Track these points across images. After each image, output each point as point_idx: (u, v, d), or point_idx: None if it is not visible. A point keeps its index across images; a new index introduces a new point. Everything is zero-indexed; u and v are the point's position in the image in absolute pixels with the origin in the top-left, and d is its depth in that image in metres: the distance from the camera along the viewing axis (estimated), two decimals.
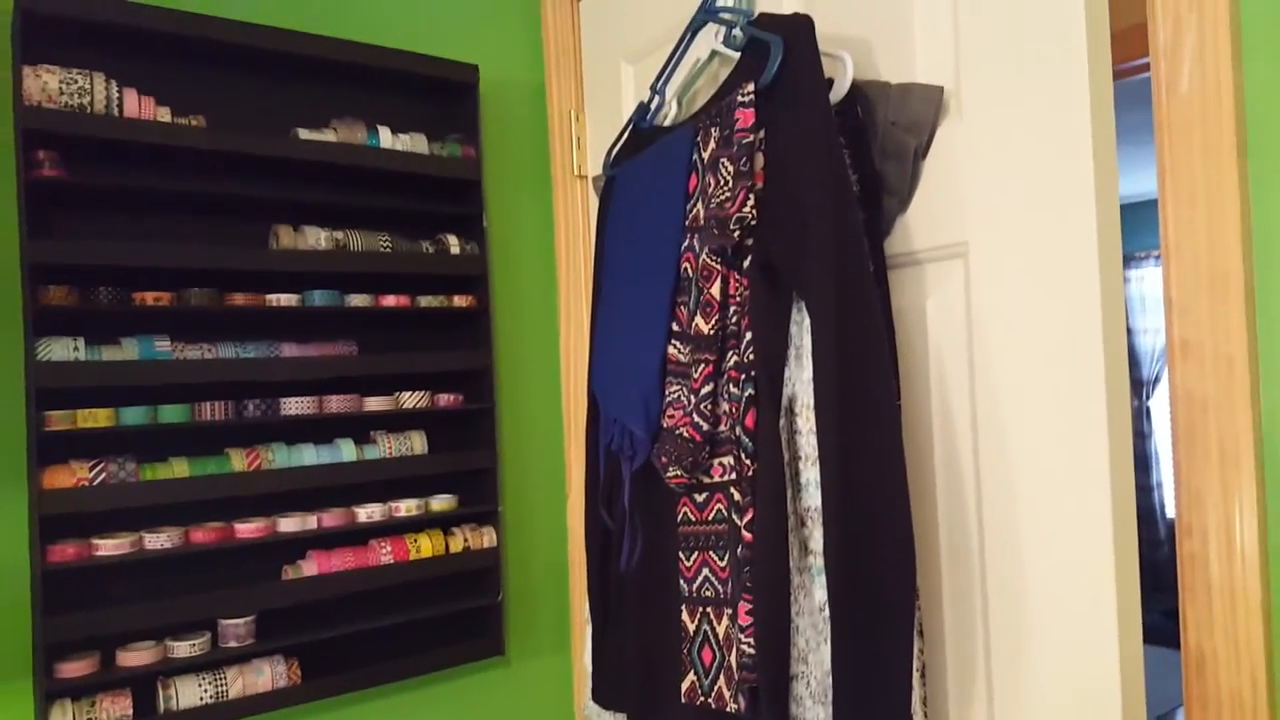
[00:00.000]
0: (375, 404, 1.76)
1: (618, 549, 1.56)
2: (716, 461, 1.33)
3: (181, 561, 1.61)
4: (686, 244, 1.33)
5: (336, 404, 1.71)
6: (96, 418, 1.48)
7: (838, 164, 1.13)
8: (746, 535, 1.21)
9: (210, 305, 1.58)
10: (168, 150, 1.54)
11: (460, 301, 1.85)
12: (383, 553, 1.74)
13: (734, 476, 1.27)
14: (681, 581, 1.40)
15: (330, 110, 1.79)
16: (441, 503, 1.84)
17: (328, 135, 1.71)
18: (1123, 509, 1.01)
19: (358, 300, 1.72)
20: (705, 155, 1.30)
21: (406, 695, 1.83)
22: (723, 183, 1.23)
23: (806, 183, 1.15)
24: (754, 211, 1.19)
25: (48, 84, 1.42)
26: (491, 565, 1.88)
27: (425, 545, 1.79)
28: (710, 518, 1.36)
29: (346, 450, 1.72)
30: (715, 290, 1.26)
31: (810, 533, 1.19)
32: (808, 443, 1.20)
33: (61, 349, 1.45)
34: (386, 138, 1.76)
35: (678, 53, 1.51)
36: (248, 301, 1.62)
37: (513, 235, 2.04)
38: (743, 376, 1.23)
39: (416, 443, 1.81)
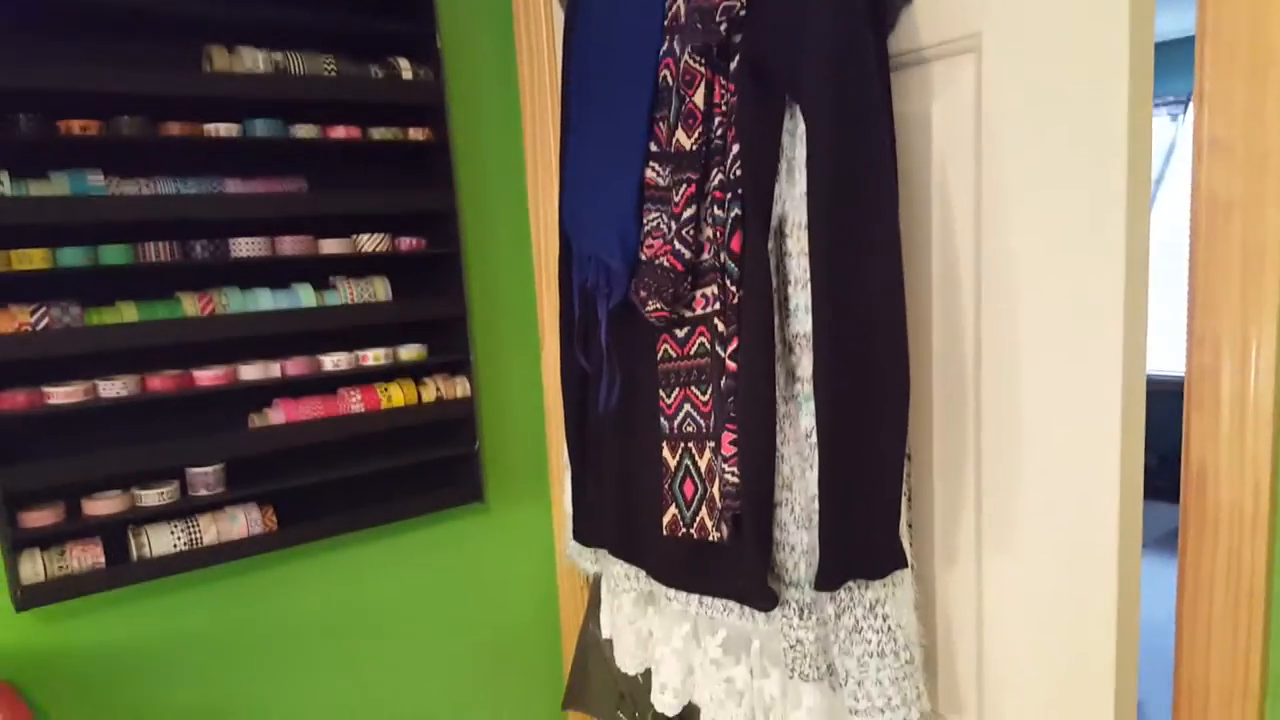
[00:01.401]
0: (332, 246, 1.65)
1: (595, 391, 1.50)
2: (699, 293, 1.26)
3: (142, 411, 1.54)
4: (665, 48, 1.21)
5: (290, 245, 1.60)
6: (31, 259, 1.37)
7: None
8: (731, 365, 1.15)
9: (144, 135, 1.44)
10: None
11: (416, 134, 1.71)
12: (353, 401, 1.68)
13: (718, 307, 1.20)
14: (662, 419, 1.35)
15: None
16: (411, 352, 1.76)
17: None
18: (1135, 339, 0.95)
19: (304, 131, 1.59)
20: None
21: (388, 541, 1.81)
22: None
23: None
24: (743, 2, 1.06)
25: None
26: (466, 415, 1.82)
27: (396, 394, 1.73)
28: (692, 352, 1.29)
29: (305, 295, 1.62)
30: (699, 98, 1.15)
31: (798, 360, 1.13)
32: (798, 265, 1.12)
33: None
34: None
35: None
36: (184, 131, 1.48)
37: (471, 59, 1.87)
38: (728, 196, 1.13)
39: (379, 289, 1.72)
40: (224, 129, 1.51)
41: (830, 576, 1.05)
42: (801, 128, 1.09)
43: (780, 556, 1.14)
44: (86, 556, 1.43)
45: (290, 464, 1.67)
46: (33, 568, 1.37)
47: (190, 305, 1.52)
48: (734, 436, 1.14)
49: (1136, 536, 1.00)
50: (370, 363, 1.70)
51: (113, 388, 1.44)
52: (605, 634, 1.54)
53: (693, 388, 1.30)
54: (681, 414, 1.32)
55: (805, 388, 1.12)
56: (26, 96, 1.36)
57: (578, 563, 1.55)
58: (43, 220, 1.36)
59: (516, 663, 2.00)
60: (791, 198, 1.12)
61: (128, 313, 1.46)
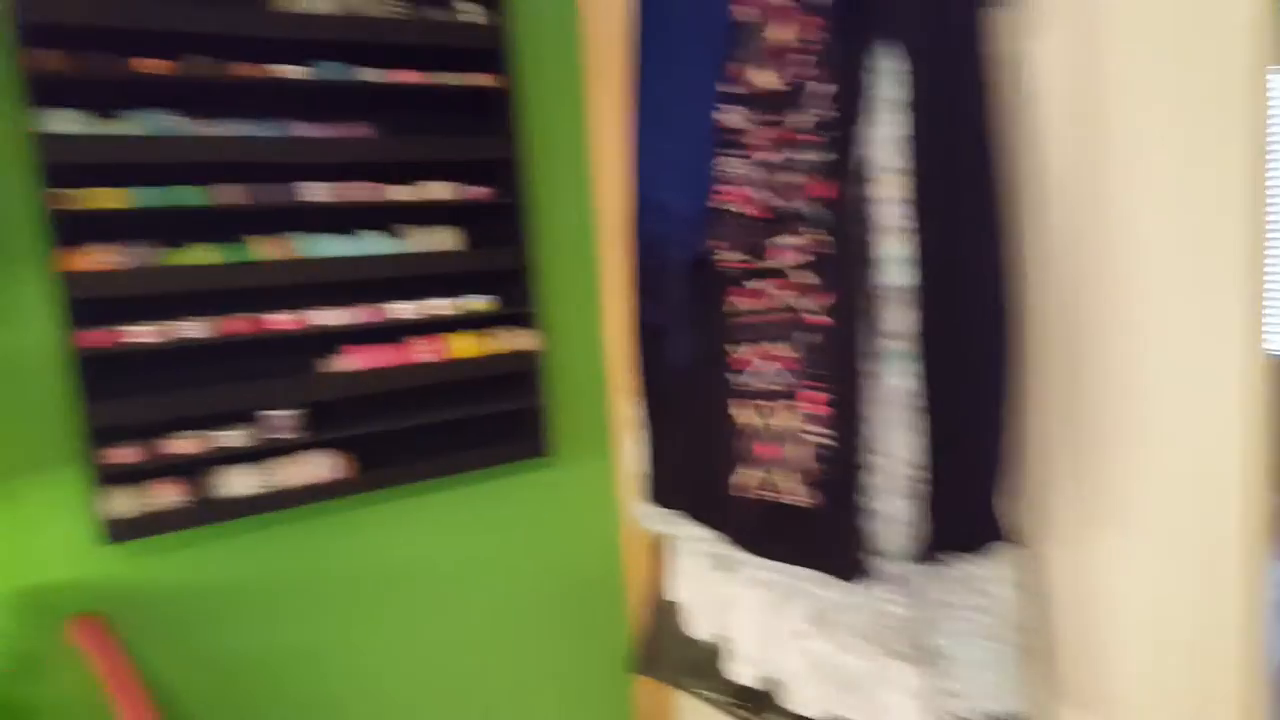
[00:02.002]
0: (398, 193, 1.63)
1: (662, 345, 1.47)
2: (776, 242, 1.21)
3: (216, 353, 1.54)
4: None
5: (358, 191, 1.58)
6: (111, 198, 1.38)
7: None
8: (818, 319, 1.10)
9: (214, 75, 1.43)
10: None
11: (481, 80, 1.67)
12: (421, 350, 1.67)
13: (801, 259, 1.15)
14: (730, 375, 1.31)
15: None
16: (478, 303, 1.74)
17: None
18: (1253, 308, 0.88)
19: (370, 75, 1.56)
20: None
21: (454, 492, 1.82)
22: None
23: None
24: None
25: None
26: (532, 368, 1.81)
27: (462, 345, 1.72)
28: (764, 306, 1.25)
29: (372, 244, 1.61)
30: (786, 35, 1.09)
31: (885, 314, 1.08)
32: (887, 212, 1.07)
33: (68, 121, 1.32)
34: None
35: None
36: (251, 72, 1.46)
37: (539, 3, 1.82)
38: (819, 139, 1.08)
39: (447, 238, 1.70)
40: (291, 71, 1.49)
41: (924, 547, 1.01)
42: (890, 65, 1.02)
43: (869, 525, 1.10)
44: (169, 494, 1.45)
45: (361, 411, 1.67)
46: (119, 503, 1.39)
47: (260, 248, 1.51)
48: (823, 395, 1.09)
49: (1262, 518, 0.93)
50: (437, 312, 1.69)
51: (191, 328, 1.45)
52: (677, 598, 1.51)
53: (765, 343, 1.25)
54: (753, 370, 1.28)
55: (893, 343, 1.07)
56: (99, 33, 1.35)
57: (648, 522, 1.53)
58: (123, 160, 1.36)
59: (580, 620, 2.00)
60: (879, 140, 1.06)
61: (205, 254, 1.46)
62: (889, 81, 1.04)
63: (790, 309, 1.20)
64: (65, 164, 1.33)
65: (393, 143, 1.60)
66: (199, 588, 1.55)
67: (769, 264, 1.22)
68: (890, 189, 1.06)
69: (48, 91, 1.34)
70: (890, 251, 1.07)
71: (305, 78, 1.51)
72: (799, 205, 1.15)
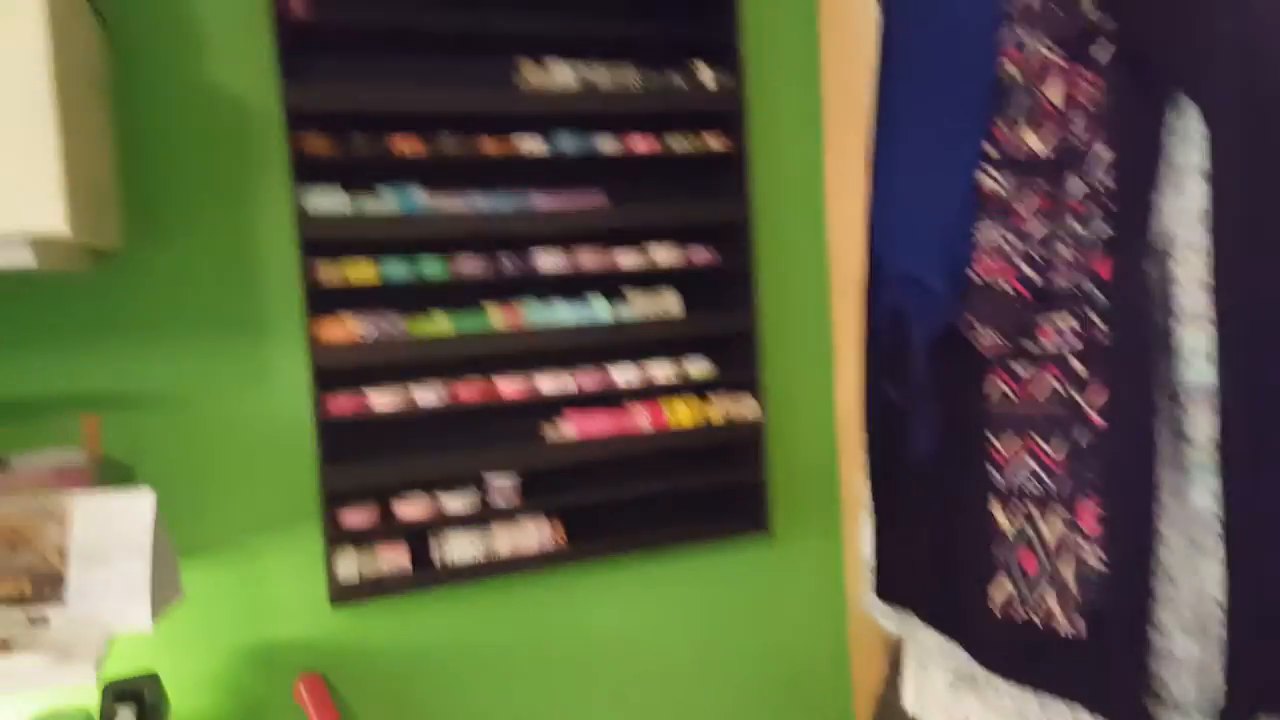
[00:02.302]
0: (626, 259, 1.62)
1: (903, 430, 1.34)
2: (1048, 323, 1.06)
3: (445, 417, 1.59)
4: (1010, 37, 1.02)
5: (588, 259, 1.59)
6: (361, 270, 1.46)
7: None
8: (1096, 420, 0.94)
9: (462, 152, 1.49)
10: None
11: (714, 142, 1.64)
12: (640, 418, 1.64)
13: (1077, 344, 0.99)
14: (993, 471, 1.15)
15: None
16: (698, 368, 1.69)
17: None
18: None
19: (605, 143, 1.57)
20: None
21: (668, 566, 1.76)
22: None
23: None
24: None
25: None
26: (754, 438, 1.72)
27: (683, 413, 1.67)
28: (1037, 395, 1.09)
29: (600, 309, 1.61)
30: (1055, 93, 0.96)
31: (1189, 418, 0.90)
32: (1190, 298, 0.89)
33: (326, 200, 1.41)
34: None
35: None
36: (497, 147, 1.51)
37: (772, 58, 1.76)
38: (1095, 210, 0.93)
39: (669, 301, 1.67)
40: (532, 144, 1.53)
41: (1238, 706, 0.82)
42: (1194, 128, 0.86)
43: (1158, 668, 0.91)
44: (393, 558, 1.49)
45: (578, 478, 1.67)
46: (347, 566, 1.45)
47: (496, 317, 1.55)
48: (1099, 510, 0.93)
49: None
50: (658, 378, 1.66)
51: (426, 396, 1.50)
52: (910, 711, 1.36)
53: (1037, 438, 1.10)
54: (1021, 468, 1.12)
55: (1199, 454, 0.89)
56: (362, 116, 1.44)
57: (878, 619, 1.39)
58: (374, 236, 1.44)
59: (799, 713, 1.87)
60: (1179, 212, 0.90)
61: (443, 324, 1.52)
62: (1187, 145, 0.88)
63: (1063, 401, 1.04)
64: (322, 239, 1.41)
65: (624, 209, 1.60)
66: (414, 650, 1.58)
67: (1039, 348, 1.08)
68: (1190, 269, 0.89)
69: (310, 171, 1.44)
70: (1191, 343, 0.90)
71: (545, 150, 1.54)
72: (1070, 283, 1.00)
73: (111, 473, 1.41)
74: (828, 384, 1.87)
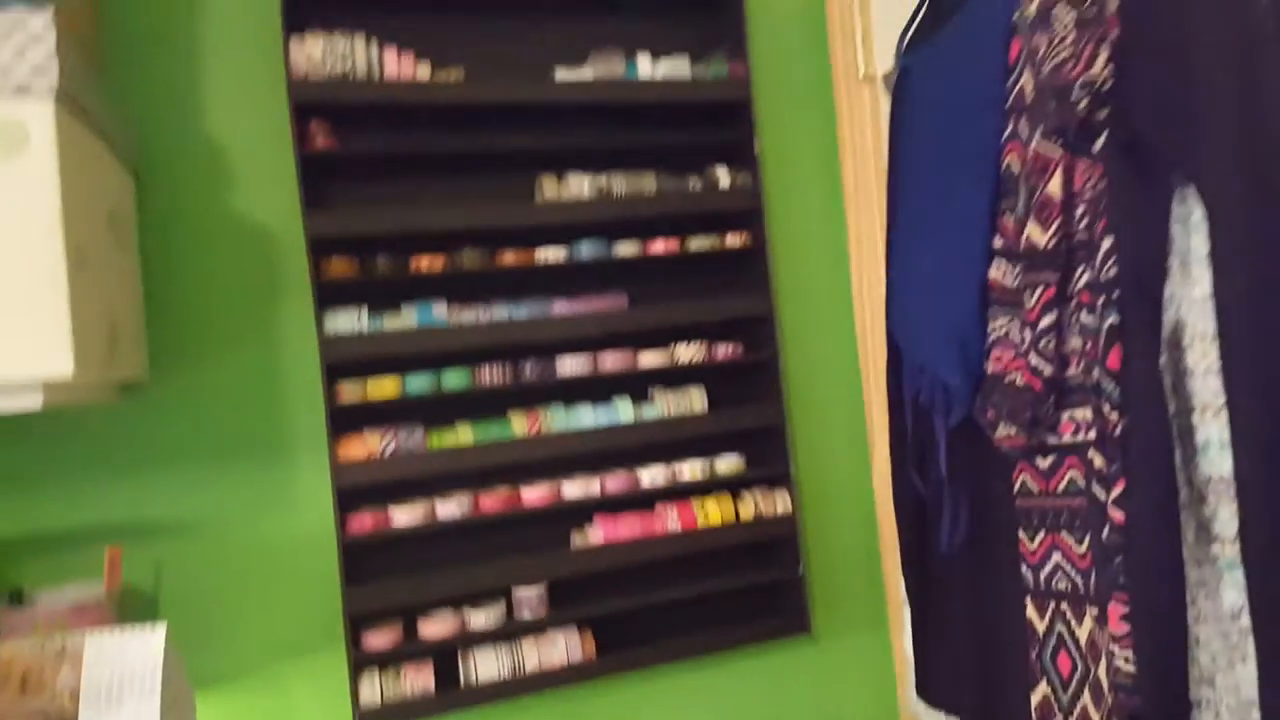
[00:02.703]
0: (650, 359, 1.63)
1: (935, 523, 1.30)
2: (1066, 415, 1.03)
3: (470, 528, 1.59)
4: (1009, 132, 1.03)
5: (611, 361, 1.60)
6: (384, 388, 1.48)
7: None
8: (1116, 514, 0.91)
9: (482, 266, 1.53)
10: (430, 107, 1.50)
11: (734, 241, 1.66)
12: (669, 519, 1.61)
13: (1093, 435, 0.96)
14: (1024, 568, 1.11)
15: (588, 42, 1.66)
16: (728, 464, 1.67)
17: (585, 72, 1.58)
18: None
19: (625, 248, 1.60)
20: (1031, 9, 0.98)
21: (705, 674, 1.70)
22: (1060, 39, 0.91)
23: (1189, 17, 0.81)
24: (1109, 71, 0.86)
25: (312, 53, 1.41)
26: (788, 533, 1.68)
27: (714, 511, 1.64)
28: (1060, 489, 1.06)
29: (624, 410, 1.61)
30: (1055, 186, 0.95)
31: (1213, 511, 0.86)
32: (1205, 387, 0.87)
33: (347, 321, 1.45)
34: (645, 66, 1.60)
35: None
36: (517, 259, 1.55)
37: (790, 159, 1.79)
38: (1101, 300, 0.92)
39: (696, 399, 1.66)
40: (553, 254, 1.56)
41: None
42: (1198, 215, 0.85)
43: None
44: (418, 680, 1.47)
45: (608, 584, 1.64)
46: (371, 691, 1.43)
47: (519, 424, 1.56)
48: (1125, 608, 0.89)
49: None
50: (687, 477, 1.64)
51: (449, 508, 1.50)
52: None
53: (1063, 533, 1.06)
54: (1049, 565, 1.08)
55: (1226, 550, 0.84)
56: (384, 238, 1.49)
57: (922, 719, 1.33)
58: (395, 351, 1.47)
59: None
60: (1189, 300, 0.88)
61: (464, 434, 1.53)
62: (1193, 232, 0.86)
63: (1085, 494, 1.01)
64: (345, 360, 1.45)
65: (646, 309, 1.61)
66: None
67: (1059, 440, 1.05)
68: (1203, 358, 0.86)
69: (333, 294, 1.49)
70: (1207, 433, 0.87)
71: (565, 260, 1.57)
72: (1083, 374, 0.98)
73: (133, 604, 1.43)
74: (864, 474, 1.83)
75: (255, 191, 1.51)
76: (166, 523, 1.45)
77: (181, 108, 1.48)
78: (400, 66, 1.48)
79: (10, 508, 1.39)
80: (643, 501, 1.65)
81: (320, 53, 1.42)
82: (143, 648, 1.15)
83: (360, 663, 1.45)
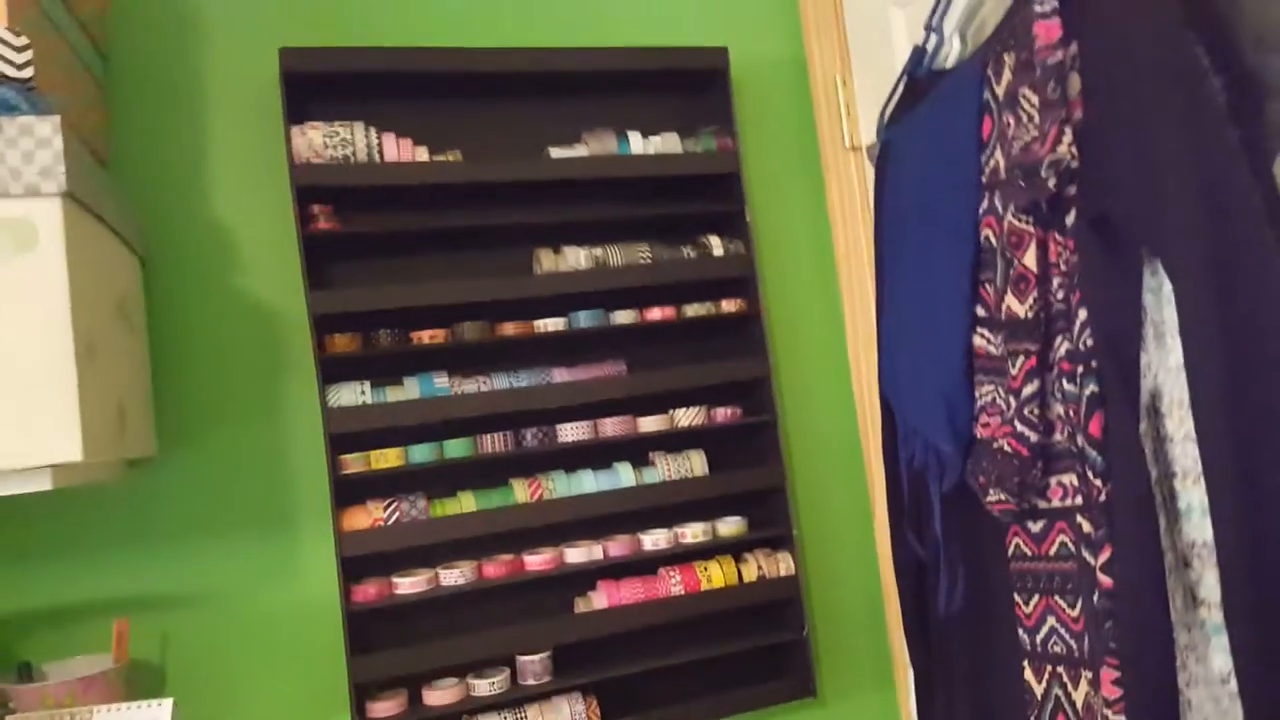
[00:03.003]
0: (650, 424, 1.65)
1: (934, 586, 1.31)
2: (1054, 480, 1.05)
3: (475, 596, 1.60)
4: (986, 206, 1.06)
5: (611, 427, 1.63)
6: (387, 458, 1.51)
7: (1189, 64, 0.81)
8: (1104, 580, 0.92)
9: (482, 338, 1.56)
10: (429, 188, 1.55)
11: (729, 306, 1.69)
12: (672, 582, 1.62)
13: (1080, 501, 0.98)
14: (1021, 631, 1.12)
15: (581, 123, 1.72)
16: (729, 527, 1.68)
17: (579, 150, 1.64)
18: None
19: (623, 316, 1.64)
20: (999, 90, 1.02)
21: None
22: (1026, 120, 0.95)
23: (1147, 98, 0.85)
24: (1073, 150, 0.90)
25: (313, 140, 1.47)
26: (792, 595, 1.69)
27: (716, 574, 1.65)
28: (1051, 552, 1.07)
29: (625, 475, 1.63)
30: (1029, 259, 0.98)
31: (1199, 576, 0.88)
32: (1184, 453, 0.89)
33: (350, 394, 1.49)
34: (637, 143, 1.65)
35: None
36: (517, 330, 1.59)
37: (781, 227, 1.84)
38: (1080, 368, 0.94)
39: (696, 462, 1.68)
40: (551, 324, 1.60)
41: None
42: (1169, 286, 0.87)
43: None
44: None
45: (612, 649, 1.64)
46: None
47: (521, 491, 1.58)
48: (1116, 674, 0.89)
49: None
50: (689, 540, 1.65)
51: (452, 576, 1.51)
52: None
53: (1056, 597, 1.07)
54: (1045, 628, 1.09)
55: (1213, 615, 0.85)
56: (385, 314, 1.53)
57: None
58: (397, 423, 1.50)
59: None
60: (1164, 368, 0.90)
61: (466, 502, 1.55)
62: (1165, 302, 0.89)
63: (1075, 558, 1.02)
64: (348, 433, 1.48)
65: (644, 377, 1.64)
66: None
67: (1049, 504, 1.06)
68: (1180, 425, 0.88)
69: (336, 369, 1.53)
70: (1189, 499, 0.88)
71: (564, 329, 1.60)
72: (1067, 441, 1.00)
73: (141, 676, 1.44)
74: (867, 534, 1.84)
75: (259, 272, 1.56)
76: (173, 595, 1.47)
77: (187, 193, 1.54)
78: (399, 150, 1.53)
79: (18, 582, 1.41)
80: (645, 566, 1.66)
81: (321, 139, 1.47)
82: None
83: None
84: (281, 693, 1.50)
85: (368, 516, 1.49)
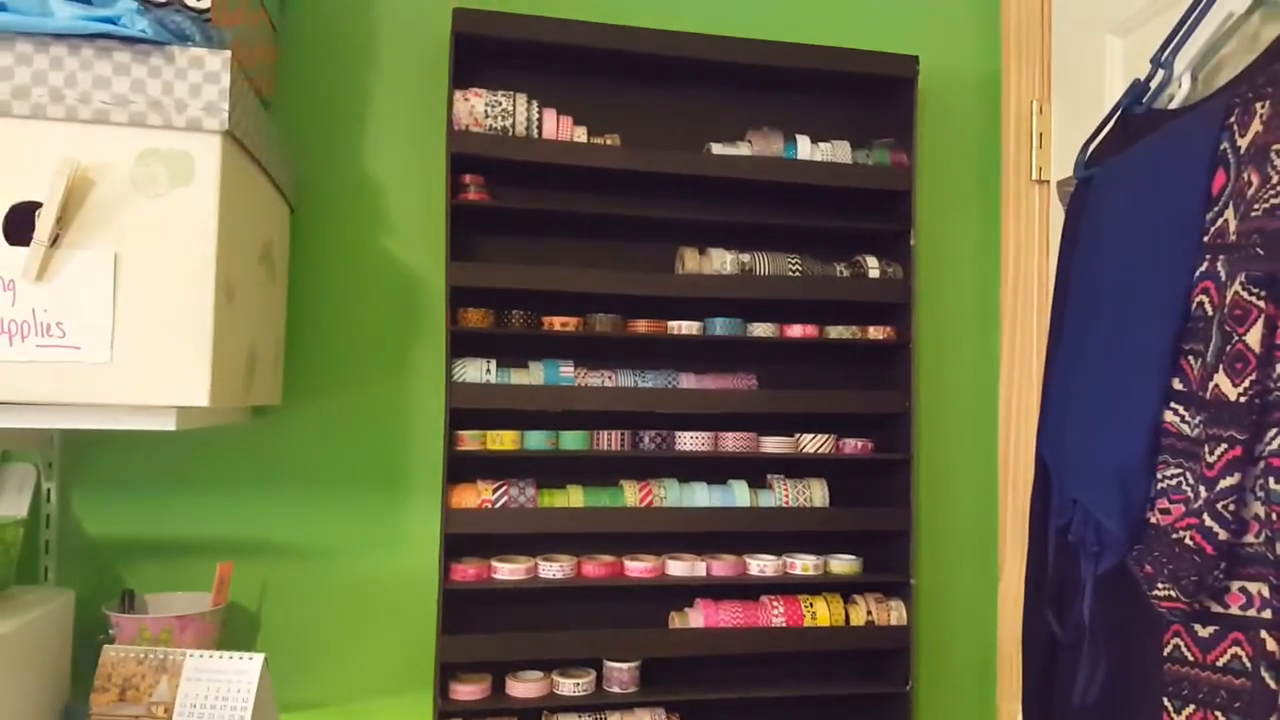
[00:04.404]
0: (773, 445, 1.57)
1: (1066, 670, 1.19)
2: (1237, 586, 0.92)
3: (571, 593, 1.56)
4: (1204, 269, 0.94)
5: (732, 442, 1.56)
6: (503, 440, 1.48)
7: None
8: None
9: (614, 332, 1.52)
10: (583, 170, 1.51)
11: (877, 333, 1.59)
12: (774, 613, 1.54)
13: (1268, 614, 0.85)
14: None
15: (747, 120, 1.64)
16: (843, 564, 1.59)
17: (742, 149, 1.56)
18: None
19: (761, 329, 1.56)
20: (1244, 142, 0.89)
21: None
22: (1276, 180, 0.82)
23: None
24: None
25: (475, 107, 1.44)
26: (900, 646, 1.58)
27: (822, 612, 1.56)
28: (1220, 663, 0.94)
29: (740, 494, 1.55)
30: (1254, 338, 0.86)
31: None
32: None
33: (475, 371, 1.46)
34: (805, 148, 1.56)
35: (1196, 10, 1.10)
36: (650, 328, 1.54)
37: (946, 255, 1.72)
38: None
39: (816, 492, 1.59)
40: (686, 327, 1.54)
41: None
42: None
43: None
44: None
45: (702, 670, 1.58)
46: None
47: (631, 494, 1.53)
48: None
49: None
50: (798, 571, 1.56)
51: (551, 569, 1.48)
52: None
53: (1218, 713, 0.94)
54: None
55: None
56: (520, 293, 1.50)
57: None
58: (517, 406, 1.47)
59: None
60: None
61: (575, 496, 1.51)
62: None
63: (1256, 679, 0.89)
64: (469, 409, 1.46)
65: (774, 395, 1.57)
66: None
67: (1225, 609, 0.93)
68: None
69: (466, 344, 1.51)
70: None
71: (698, 333, 1.54)
72: (1263, 546, 0.87)
73: (236, 620, 1.46)
74: (989, 593, 1.71)
75: (404, 235, 1.55)
76: (278, 545, 1.49)
77: (343, 144, 1.54)
78: (559, 128, 1.49)
79: (133, 512, 1.45)
80: (748, 591, 1.59)
81: (483, 107, 1.45)
82: (239, 674, 1.17)
83: (446, 713, 1.43)
84: (369, 659, 1.50)
85: (476, 496, 1.46)
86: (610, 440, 1.53)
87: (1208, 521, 0.91)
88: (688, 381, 1.55)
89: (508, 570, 1.46)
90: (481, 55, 1.54)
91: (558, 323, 1.50)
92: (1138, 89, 1.16)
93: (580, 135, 1.51)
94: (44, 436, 1.39)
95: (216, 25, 1.08)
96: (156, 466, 1.46)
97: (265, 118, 1.23)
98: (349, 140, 1.54)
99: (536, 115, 1.48)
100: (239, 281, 1.14)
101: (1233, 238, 0.89)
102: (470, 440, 1.47)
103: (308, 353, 1.51)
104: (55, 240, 0.99)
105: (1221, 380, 0.89)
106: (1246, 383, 0.87)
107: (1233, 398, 0.88)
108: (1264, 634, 0.86)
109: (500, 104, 1.45)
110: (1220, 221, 0.92)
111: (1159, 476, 1.01)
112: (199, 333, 1.02)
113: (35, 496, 1.37)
